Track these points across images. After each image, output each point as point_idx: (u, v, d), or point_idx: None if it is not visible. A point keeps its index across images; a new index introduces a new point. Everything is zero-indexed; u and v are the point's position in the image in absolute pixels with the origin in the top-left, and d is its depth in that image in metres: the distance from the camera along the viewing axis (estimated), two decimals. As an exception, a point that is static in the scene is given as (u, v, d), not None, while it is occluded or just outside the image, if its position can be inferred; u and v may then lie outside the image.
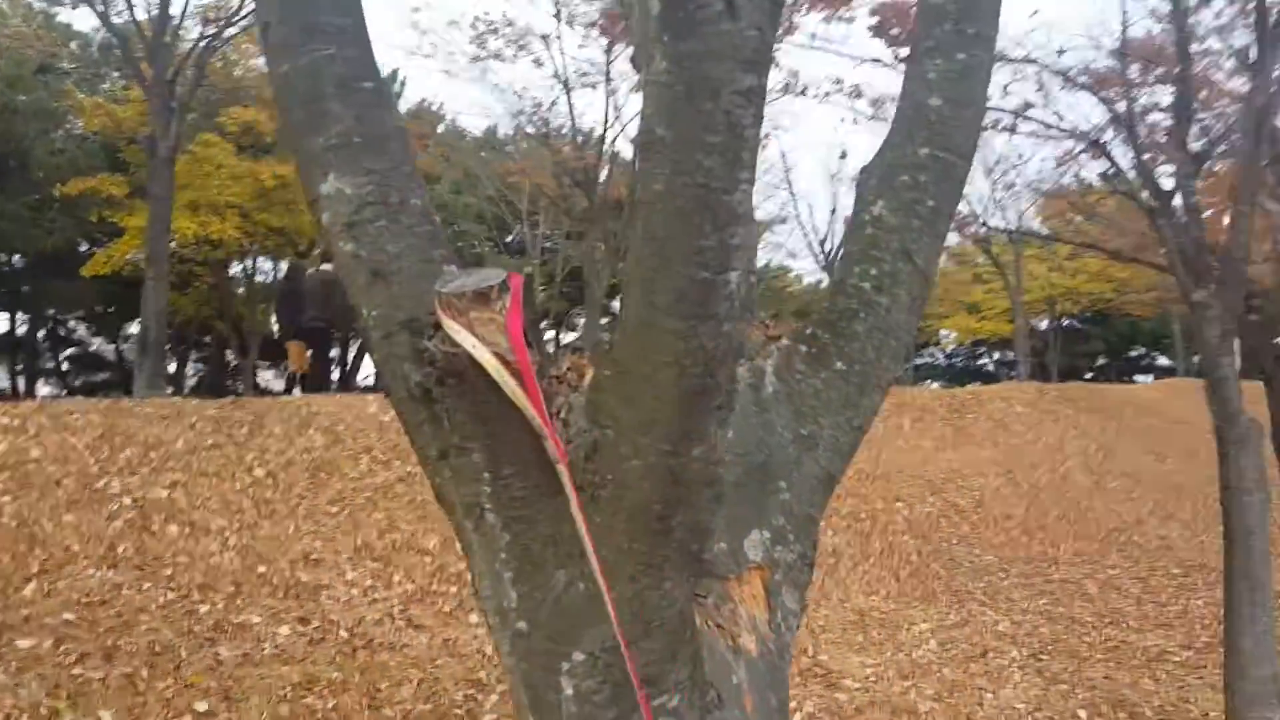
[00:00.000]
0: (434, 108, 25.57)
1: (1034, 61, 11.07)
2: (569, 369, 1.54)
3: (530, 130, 19.11)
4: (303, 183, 1.74)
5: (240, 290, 22.51)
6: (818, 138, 55.61)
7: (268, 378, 29.00)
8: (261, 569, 7.20)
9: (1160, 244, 11.28)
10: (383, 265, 1.61)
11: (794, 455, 1.85)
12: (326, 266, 14.00)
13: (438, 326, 1.50)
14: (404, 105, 29.38)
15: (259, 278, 22.49)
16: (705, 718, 1.63)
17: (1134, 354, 40.48)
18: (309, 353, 13.63)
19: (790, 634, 1.82)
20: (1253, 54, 11.45)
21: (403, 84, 29.62)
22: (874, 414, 1.96)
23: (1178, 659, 9.36)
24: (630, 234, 1.46)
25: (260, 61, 16.15)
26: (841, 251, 1.91)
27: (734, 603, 1.74)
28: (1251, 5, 11.78)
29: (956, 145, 1.96)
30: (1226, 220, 9.40)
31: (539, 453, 1.50)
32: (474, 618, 7.67)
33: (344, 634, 6.71)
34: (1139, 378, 37.00)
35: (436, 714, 6.23)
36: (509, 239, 26.83)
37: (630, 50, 14.28)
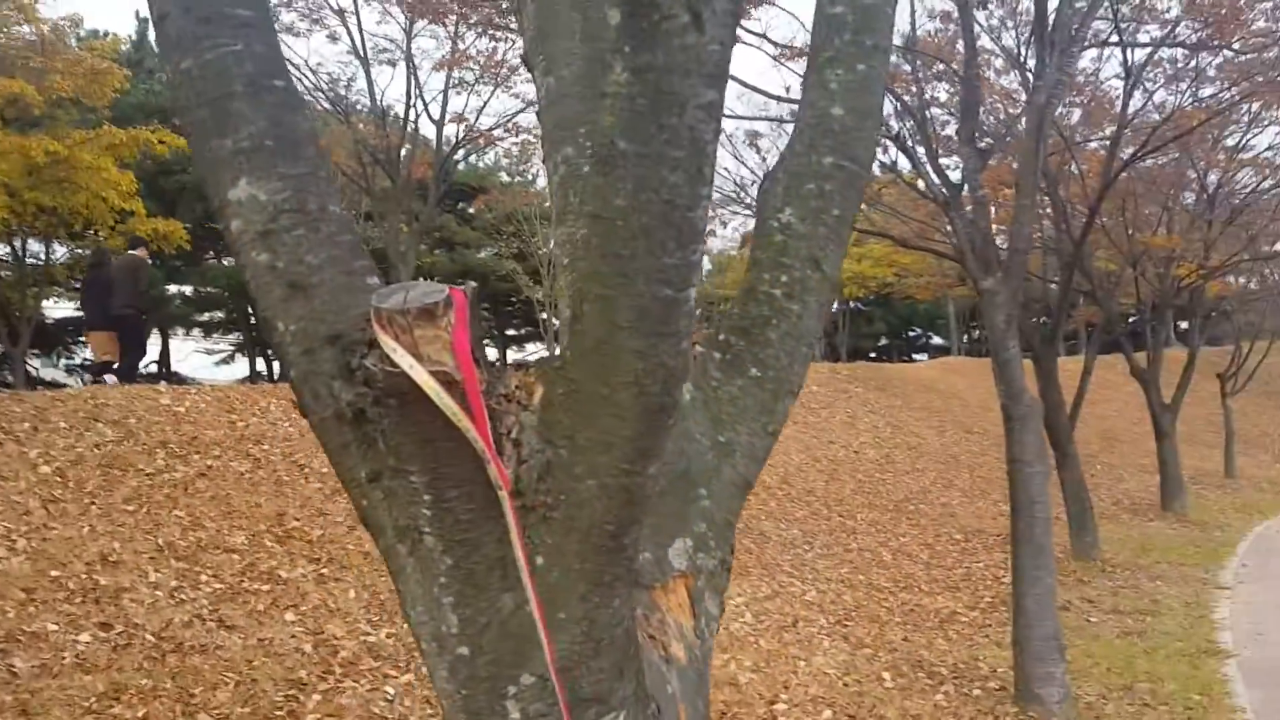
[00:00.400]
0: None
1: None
2: (518, 387, 1.48)
3: (328, 107, 18.34)
4: (205, 187, 1.59)
5: (7, 274, 20.57)
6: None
7: (51, 370, 26.86)
8: (55, 573, 6.65)
9: (951, 234, 12.06)
10: (302, 277, 1.49)
11: (713, 462, 1.87)
12: (134, 252, 13.51)
13: (371, 344, 1.41)
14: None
15: (30, 260, 20.61)
16: (647, 731, 1.63)
17: (912, 334, 43.09)
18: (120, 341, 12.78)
19: (712, 639, 1.84)
20: (1022, 53, 12.41)
21: (184, 51, 27.82)
22: (785, 419, 2.00)
23: (966, 619, 10.09)
24: (577, 248, 1.42)
25: (27, 30, 14.74)
26: (750, 257, 1.92)
27: (662, 612, 1.74)
28: (1021, 8, 12.73)
29: (858, 156, 2.02)
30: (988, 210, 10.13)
31: (483, 474, 1.44)
32: (290, 616, 7.38)
33: (151, 638, 6.31)
34: (916, 356, 39.45)
35: (256, 716, 5.96)
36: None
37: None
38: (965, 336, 41.99)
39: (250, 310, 31.91)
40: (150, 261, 15.11)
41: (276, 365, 33.49)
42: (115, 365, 12.61)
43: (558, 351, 1.62)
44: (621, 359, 1.42)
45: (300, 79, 17.64)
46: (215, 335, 35.06)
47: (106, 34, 23.71)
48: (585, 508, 1.46)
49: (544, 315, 28.02)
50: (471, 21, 14.24)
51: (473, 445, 1.40)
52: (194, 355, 35.95)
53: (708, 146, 1.39)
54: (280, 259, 1.50)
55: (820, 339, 30.27)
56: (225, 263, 29.44)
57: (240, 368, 35.00)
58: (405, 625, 7.60)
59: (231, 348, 35.74)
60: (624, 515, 1.49)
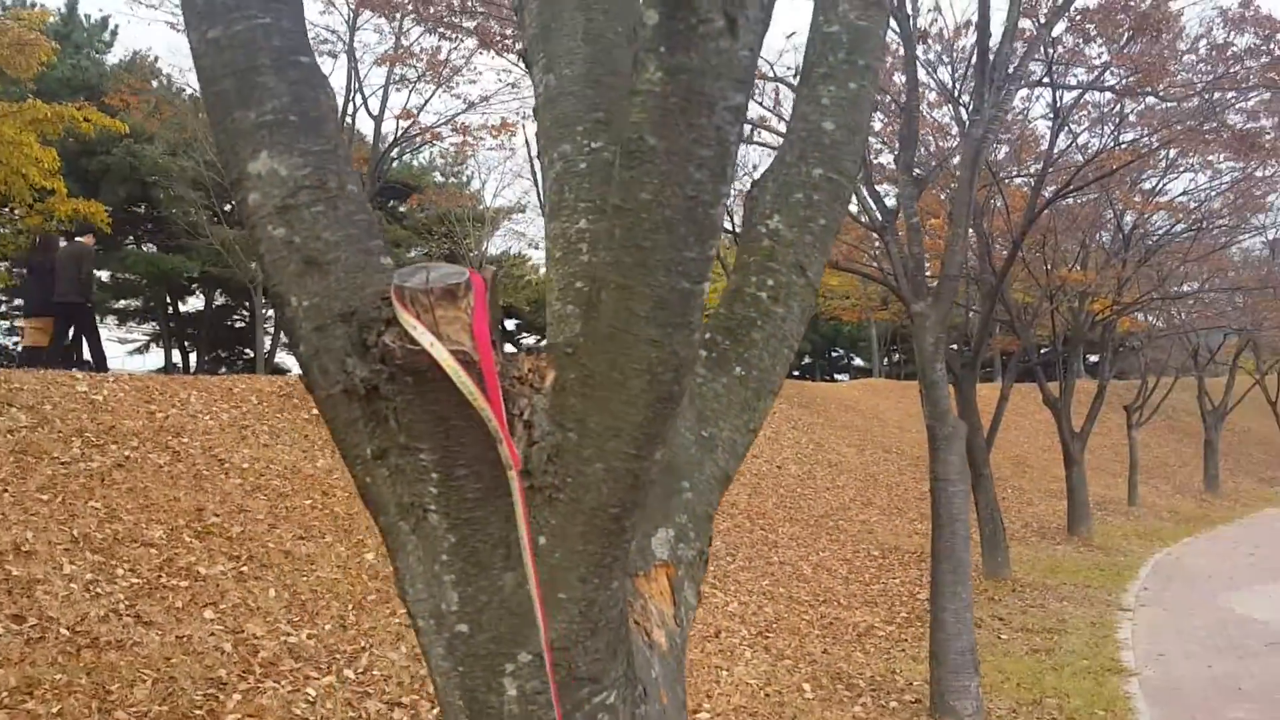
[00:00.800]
0: (150, 61, 23.54)
1: (782, 80, 11.74)
2: (531, 370, 1.51)
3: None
4: (221, 158, 1.59)
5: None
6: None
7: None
8: (-38, 563, 6.42)
9: (881, 257, 12.33)
10: (319, 253, 1.51)
11: (696, 456, 1.92)
12: (80, 239, 13.47)
13: (389, 322, 1.43)
14: (115, 56, 26.79)
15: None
16: (635, 711, 1.67)
17: (835, 354, 43.82)
18: (57, 329, 12.89)
19: (688, 628, 1.88)
20: (957, 88, 12.79)
21: (114, 33, 27.05)
22: (765, 417, 2.06)
23: (882, 633, 10.29)
24: (600, 238, 1.45)
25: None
26: (737, 260, 1.98)
27: (644, 599, 1.79)
28: (962, 43, 13.12)
29: (846, 169, 2.10)
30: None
31: (494, 454, 1.47)
32: (209, 614, 7.23)
33: (65, 632, 6.13)
34: (839, 376, 40.14)
35: (174, 715, 5.83)
36: (228, 207, 25.25)
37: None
38: (887, 359, 42.86)
39: (169, 299, 31.08)
40: (96, 250, 14.95)
41: (193, 357, 32.66)
42: (48, 350, 12.62)
43: (556, 339, 1.65)
44: (637, 347, 1.47)
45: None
46: (131, 324, 34.06)
47: (35, 4, 22.96)
48: (591, 490, 1.50)
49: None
50: (425, 16, 14.11)
51: (485, 425, 1.42)
52: (108, 343, 34.84)
53: (732, 147, 1.45)
54: (297, 234, 1.51)
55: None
56: (146, 249, 28.64)
57: (155, 358, 34.04)
58: (325, 627, 7.50)
59: (147, 337, 34.76)
60: (627, 499, 1.53)
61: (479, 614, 1.52)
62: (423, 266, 1.45)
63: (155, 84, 23.19)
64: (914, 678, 8.57)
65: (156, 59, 26.25)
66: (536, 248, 28.44)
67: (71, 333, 13.13)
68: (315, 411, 12.95)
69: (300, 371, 1.58)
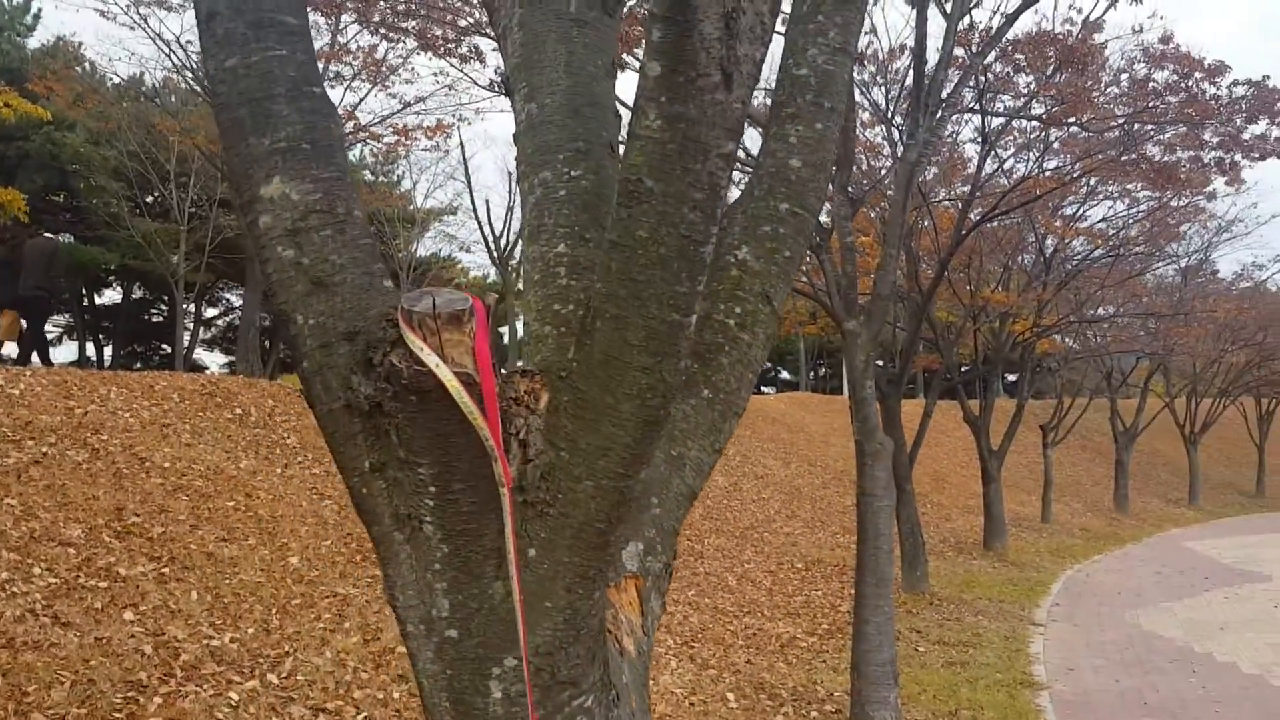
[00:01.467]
0: (75, 46, 22.92)
1: (750, 118, 11.91)
2: (527, 392, 1.59)
3: (196, 88, 17.70)
4: (233, 181, 1.64)
5: None
6: (499, 131, 55.92)
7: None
8: (-128, 561, 6.21)
9: (812, 274, 12.58)
10: (326, 275, 1.57)
11: (665, 474, 2.01)
12: (49, 235, 13.84)
13: (394, 343, 1.50)
14: (36, 41, 26.01)
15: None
16: (609, 714, 1.75)
17: (763, 367, 44.34)
18: (23, 323, 13.13)
19: (653, 636, 1.97)
20: (890, 110, 13.13)
21: (37, 16, 26.30)
22: (729, 437, 2.15)
23: (805, 644, 10.49)
24: (583, 266, 1.54)
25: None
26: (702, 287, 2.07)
27: (615, 608, 1.87)
28: (897, 65, 13.46)
29: (810, 204, 2.22)
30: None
31: (490, 469, 1.54)
32: (129, 615, 7.09)
33: (-21, 633, 5.96)
34: (765, 390, 40.59)
35: (93, 718, 5.73)
36: (150, 199, 24.71)
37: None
38: (813, 373, 43.52)
39: (85, 290, 30.19)
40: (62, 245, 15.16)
41: (109, 350, 31.76)
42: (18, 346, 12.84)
43: (534, 358, 1.73)
44: (628, 374, 1.56)
45: (169, 55, 17.00)
46: (43, 315, 32.93)
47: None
48: (580, 507, 1.58)
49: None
50: (368, 18, 14.01)
51: (482, 443, 1.50)
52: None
53: (722, 191, 1.55)
54: (306, 256, 1.57)
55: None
56: (63, 239, 27.79)
57: (68, 350, 33.02)
58: (248, 630, 7.41)
59: (60, 329, 33.71)
60: (613, 515, 1.62)
61: (469, 620, 1.59)
62: (427, 292, 1.52)
63: (79, 71, 22.57)
64: (834, 688, 8.76)
65: (82, 44, 25.58)
66: (468, 250, 28.33)
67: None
68: (239, 412, 12.77)
69: (302, 386, 1.63)
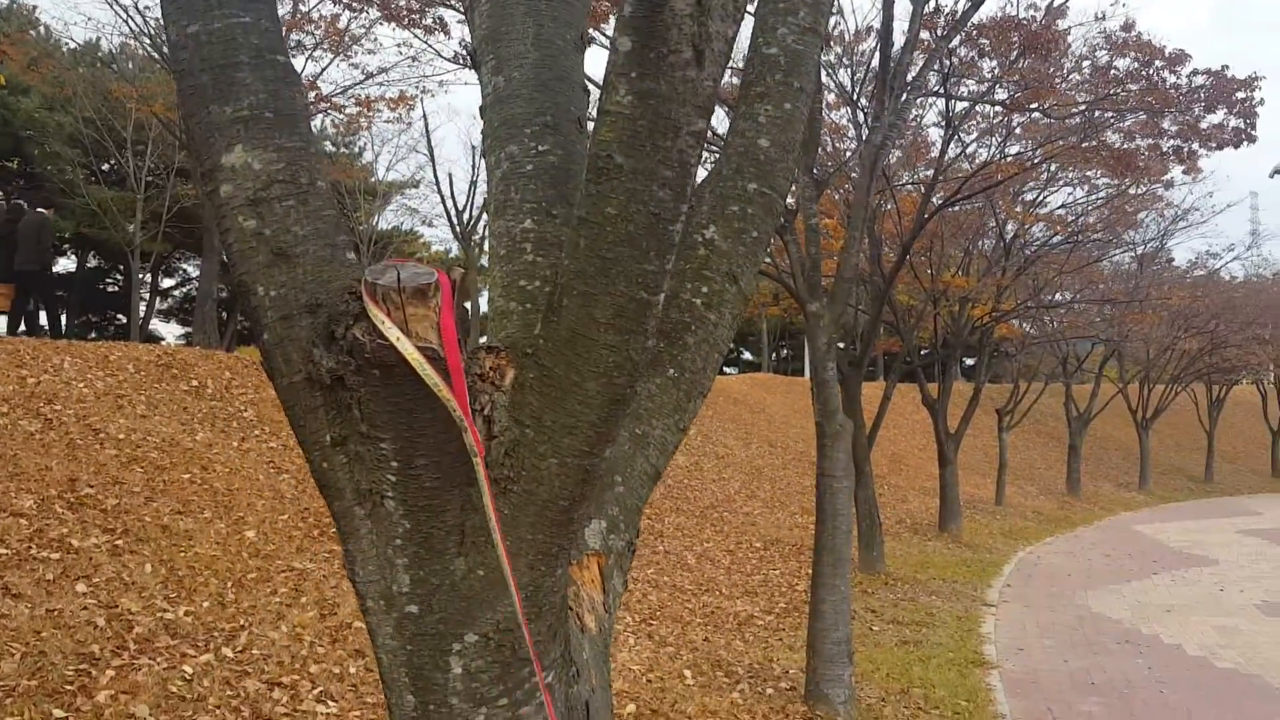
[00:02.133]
0: (30, 9, 22.37)
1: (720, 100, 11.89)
2: (492, 369, 1.57)
3: (154, 54, 17.35)
4: (193, 149, 1.60)
5: None
6: (464, 104, 55.38)
7: None
8: None
9: (777, 256, 12.62)
10: (288, 246, 1.54)
11: (629, 452, 2.00)
12: (41, 210, 13.95)
13: (357, 316, 1.47)
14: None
15: None
16: (569, 690, 1.75)
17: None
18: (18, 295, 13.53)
19: (615, 613, 1.97)
20: (855, 92, 13.15)
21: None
22: (694, 417, 2.15)
23: (762, 623, 10.58)
24: (568, 248, 1.52)
25: None
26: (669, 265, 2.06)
27: (577, 585, 1.87)
28: (863, 47, 13.48)
29: (778, 185, 2.21)
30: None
31: (453, 445, 1.53)
32: (81, 587, 7.00)
33: (-72, 604, 5.86)
34: (728, 370, 40.74)
35: (45, 690, 5.64)
36: (106, 167, 24.24)
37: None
38: (775, 354, 43.72)
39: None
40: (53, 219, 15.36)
41: (63, 319, 31.15)
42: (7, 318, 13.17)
43: (498, 334, 1.72)
44: (595, 351, 1.55)
45: (127, 21, 16.63)
46: (-7, 282, 32.25)
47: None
48: (544, 484, 1.57)
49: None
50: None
51: (447, 417, 1.48)
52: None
53: (692, 168, 1.54)
54: (268, 226, 1.54)
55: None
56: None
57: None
58: (203, 604, 7.34)
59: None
60: (577, 493, 1.61)
61: (430, 596, 1.59)
62: (392, 265, 1.50)
63: (34, 34, 22.05)
64: (790, 666, 8.85)
65: (36, 8, 24.93)
66: (430, 224, 28.01)
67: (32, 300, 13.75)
68: (196, 384, 12.62)
69: (262, 359, 1.61)
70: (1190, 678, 9.37)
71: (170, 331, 32.88)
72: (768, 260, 14.00)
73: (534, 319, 1.57)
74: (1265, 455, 39.88)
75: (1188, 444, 38.16)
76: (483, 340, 1.60)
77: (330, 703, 6.35)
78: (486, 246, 2.22)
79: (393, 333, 1.43)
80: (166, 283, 32.10)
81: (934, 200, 12.99)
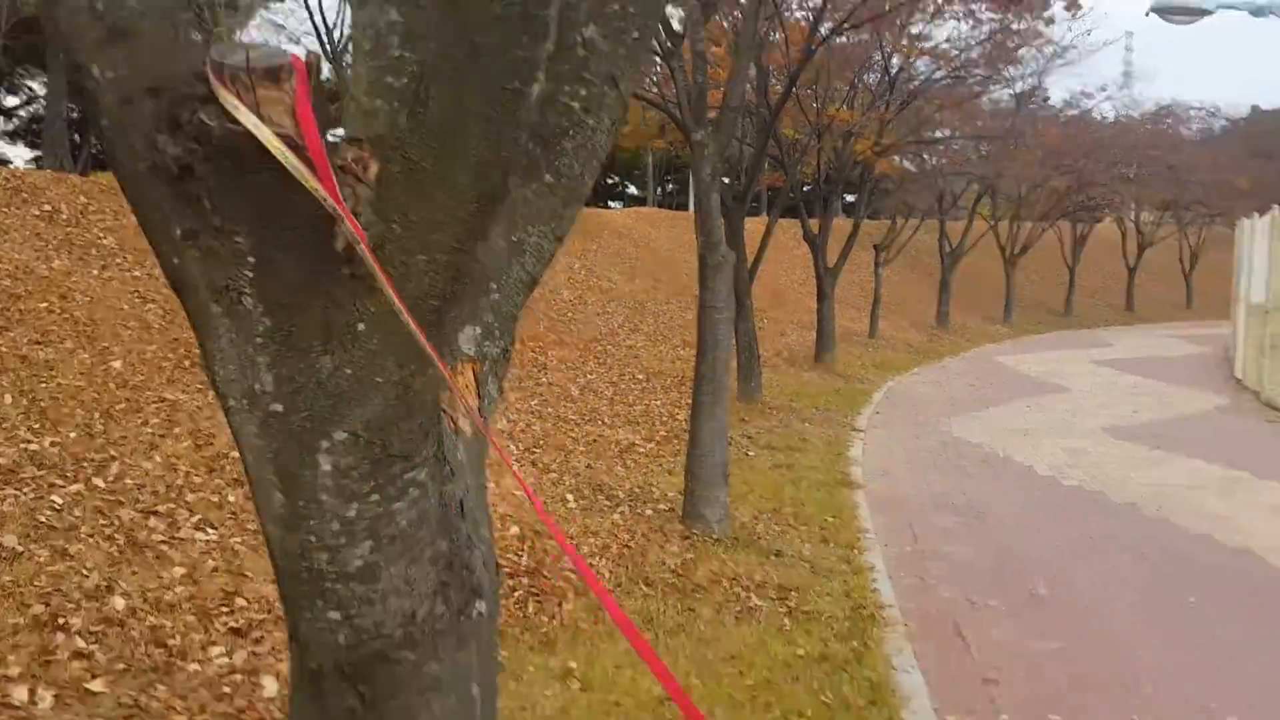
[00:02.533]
0: None
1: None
2: (354, 161, 1.49)
3: None
4: None
5: None
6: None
7: None
8: None
9: (661, 84, 12.36)
10: (124, 21, 1.40)
11: (504, 259, 1.96)
12: None
13: (204, 99, 1.36)
14: None
15: None
16: (442, 489, 1.76)
17: (610, 182, 43.96)
18: None
19: (491, 420, 1.97)
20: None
21: None
22: (571, 225, 2.12)
23: (643, 450, 10.89)
24: (436, 34, 1.43)
25: None
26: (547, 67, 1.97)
27: (451, 391, 1.85)
28: None
29: (660, -18, 2.12)
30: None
31: (316, 238, 1.46)
32: None
33: None
34: (613, 204, 40.44)
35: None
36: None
37: None
38: (660, 189, 43.48)
39: None
40: None
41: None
42: None
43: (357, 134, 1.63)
44: (465, 143, 1.48)
45: None
46: None
47: None
48: (412, 281, 1.53)
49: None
50: None
51: (309, 208, 1.41)
52: None
53: (565, -51, 1.45)
54: (100, 1, 1.40)
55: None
56: None
57: None
58: (70, 435, 7.13)
59: None
60: (447, 292, 1.57)
61: (295, 395, 1.56)
62: (242, 45, 1.39)
63: None
64: (669, 489, 9.18)
65: None
66: (298, 42, 26.33)
67: None
68: (48, 208, 11.93)
69: (102, 148, 1.49)
70: (1040, 495, 10.11)
71: (18, 155, 30.64)
72: (654, 89, 13.74)
73: (401, 119, 1.49)
74: (1122, 290, 42.14)
75: (1051, 279, 39.96)
76: (340, 132, 1.51)
77: (210, 530, 6.33)
78: (350, 42, 2.08)
79: (248, 118, 1.34)
80: (10, 101, 29.70)
81: (821, 30, 12.83)
